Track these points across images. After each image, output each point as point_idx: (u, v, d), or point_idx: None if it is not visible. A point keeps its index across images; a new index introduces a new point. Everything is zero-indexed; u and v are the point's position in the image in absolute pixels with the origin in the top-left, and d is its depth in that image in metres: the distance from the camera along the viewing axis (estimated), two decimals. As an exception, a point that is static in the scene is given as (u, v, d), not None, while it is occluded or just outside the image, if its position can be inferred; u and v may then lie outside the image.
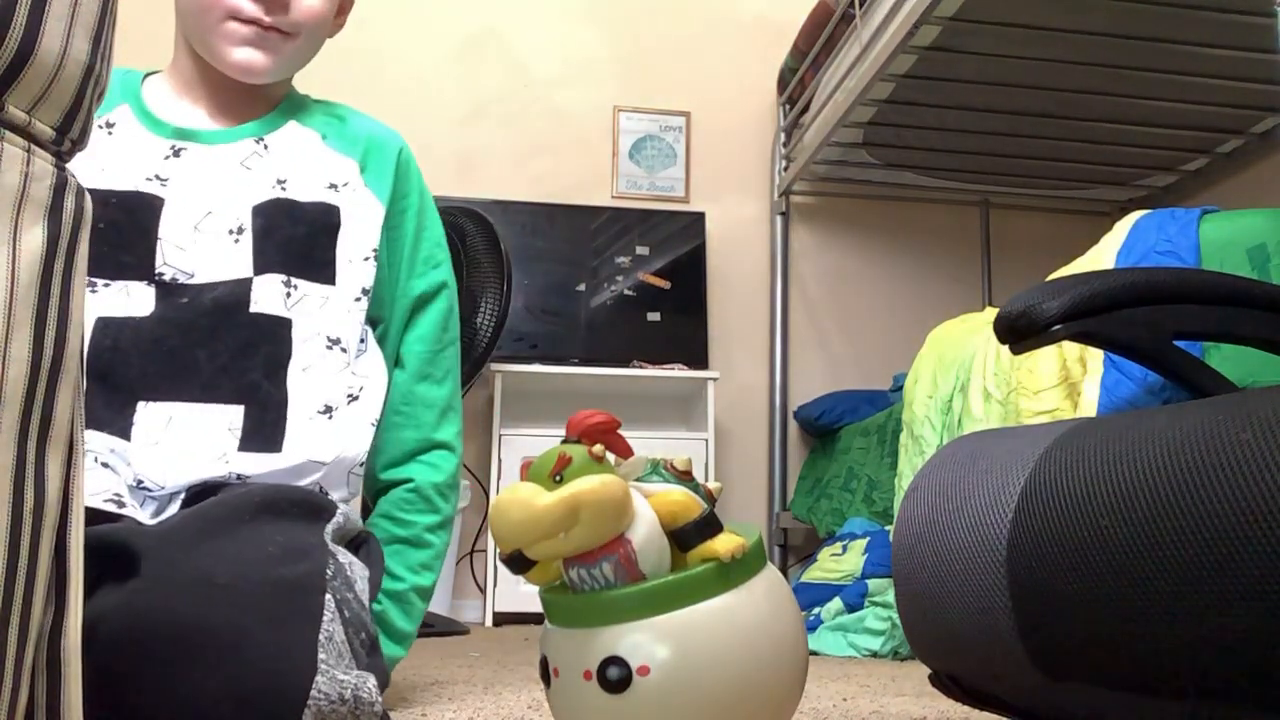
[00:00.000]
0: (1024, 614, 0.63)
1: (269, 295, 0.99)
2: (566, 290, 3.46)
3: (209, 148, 1.07)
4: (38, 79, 0.38)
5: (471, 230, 2.92)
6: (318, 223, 1.05)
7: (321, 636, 0.70)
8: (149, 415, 0.89)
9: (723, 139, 3.75)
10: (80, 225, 0.41)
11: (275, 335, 0.98)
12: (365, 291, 1.07)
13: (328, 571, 0.76)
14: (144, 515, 0.79)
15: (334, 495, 0.97)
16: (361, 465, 1.02)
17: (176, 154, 1.05)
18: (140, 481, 0.83)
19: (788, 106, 3.66)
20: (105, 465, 0.83)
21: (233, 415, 0.92)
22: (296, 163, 1.09)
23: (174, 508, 0.83)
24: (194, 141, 1.07)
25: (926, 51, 2.71)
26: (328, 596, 0.73)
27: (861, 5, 2.80)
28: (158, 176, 1.02)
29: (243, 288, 0.98)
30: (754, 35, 3.76)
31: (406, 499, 1.11)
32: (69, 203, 0.40)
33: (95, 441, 0.84)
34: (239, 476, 0.88)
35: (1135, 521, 0.55)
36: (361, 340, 1.07)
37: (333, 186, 1.08)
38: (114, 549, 0.69)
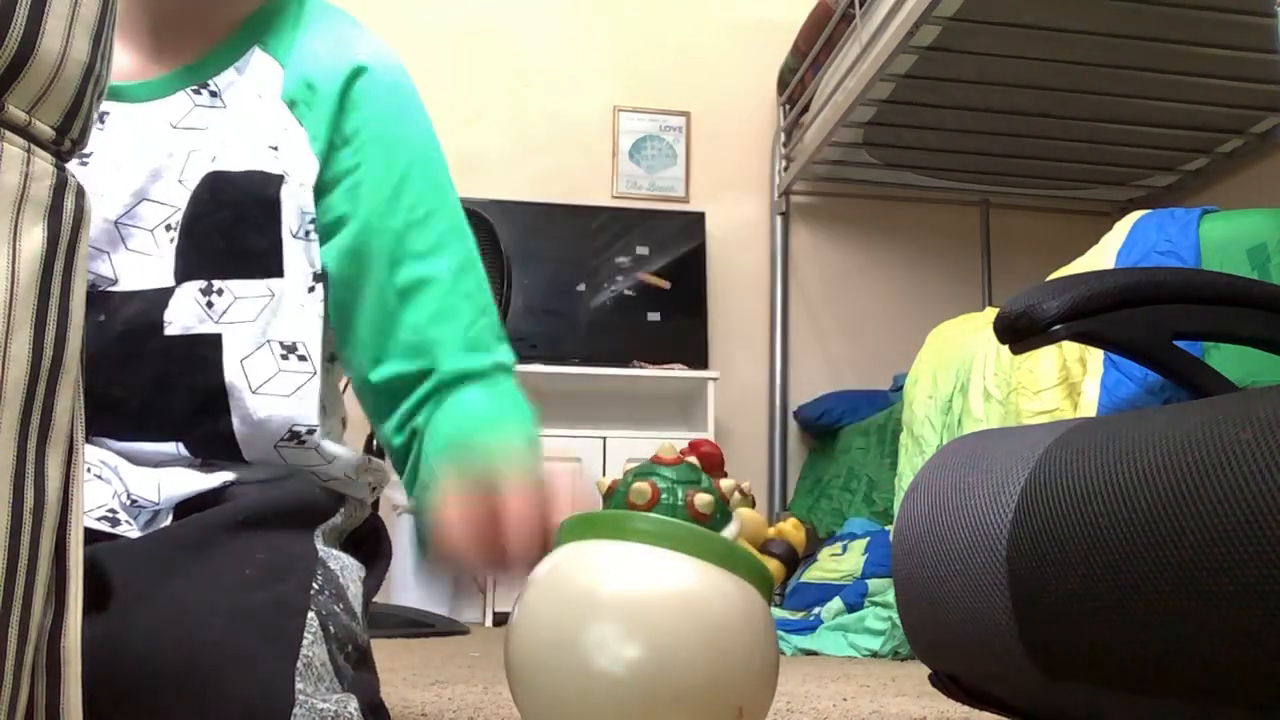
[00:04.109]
0: (1024, 614, 0.63)
1: (185, 310, 0.76)
2: (566, 290, 3.47)
3: (137, 107, 0.80)
4: (38, 79, 0.38)
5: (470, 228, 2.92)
6: (248, 199, 0.78)
7: (300, 664, 0.67)
8: (95, 451, 0.78)
9: (723, 139, 3.76)
10: (80, 225, 0.41)
11: (199, 361, 0.77)
12: (318, 278, 0.80)
13: (314, 585, 0.71)
14: (135, 532, 0.77)
15: (349, 493, 0.85)
16: (361, 469, 0.87)
17: (100, 119, 0.79)
18: (134, 500, 0.79)
19: (788, 106, 3.66)
20: (99, 478, 0.79)
21: (174, 449, 0.78)
22: (244, 117, 0.80)
23: (166, 521, 0.80)
24: (119, 100, 0.80)
25: (926, 51, 2.72)
26: (310, 615, 0.70)
27: (861, 5, 2.80)
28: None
29: (158, 303, 0.77)
30: (754, 35, 3.76)
31: (450, 403, 0.80)
32: (69, 203, 0.40)
33: (87, 452, 0.79)
34: (231, 483, 0.79)
35: (1135, 521, 0.55)
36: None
37: (274, 148, 0.80)
38: (86, 576, 0.67)
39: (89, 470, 0.77)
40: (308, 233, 0.80)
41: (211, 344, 0.77)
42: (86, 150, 0.76)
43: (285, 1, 0.84)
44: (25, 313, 0.37)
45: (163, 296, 0.77)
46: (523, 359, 3.39)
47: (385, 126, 0.83)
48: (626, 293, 3.49)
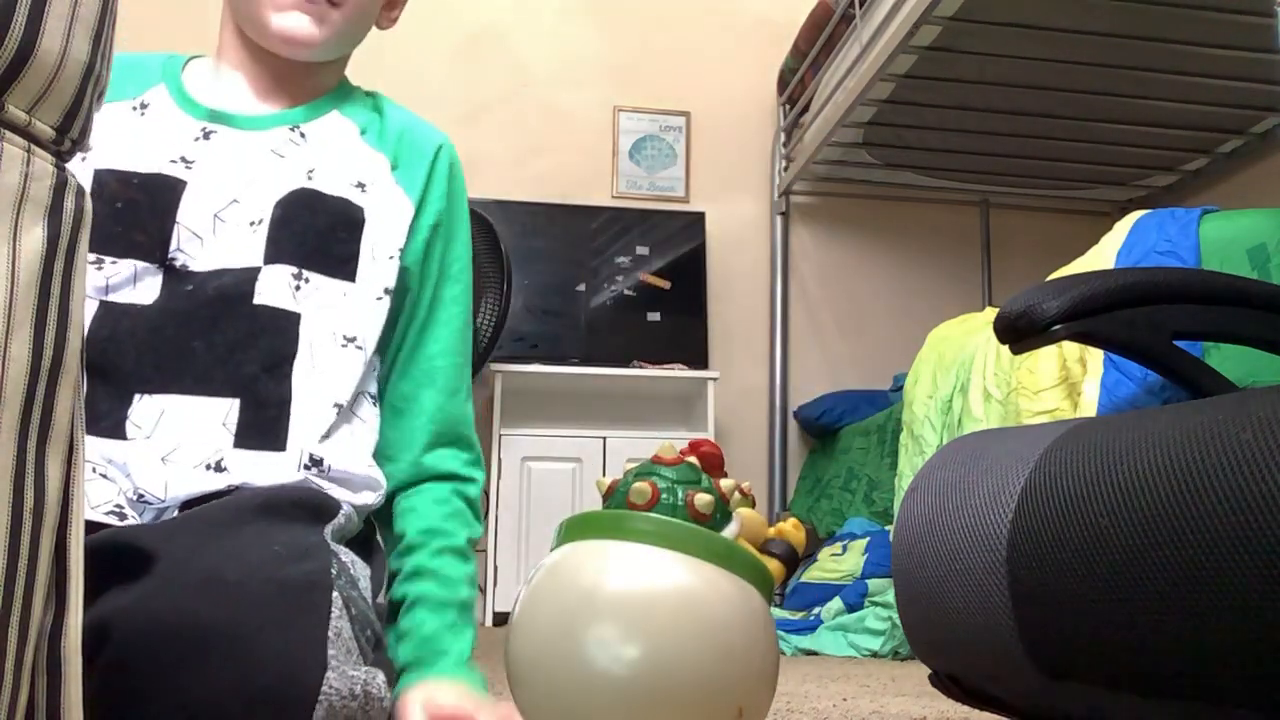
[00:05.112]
0: (1024, 614, 0.63)
1: (275, 286, 0.93)
2: (566, 290, 3.46)
3: (241, 133, 1.00)
4: (38, 79, 0.38)
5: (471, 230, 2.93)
6: (339, 216, 0.98)
7: (330, 633, 0.70)
8: (142, 409, 0.86)
9: (723, 139, 3.76)
10: (80, 225, 0.41)
11: (278, 328, 0.92)
12: (388, 291, 1.00)
13: (332, 569, 0.76)
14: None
15: (352, 498, 0.92)
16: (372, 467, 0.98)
17: (206, 136, 0.99)
18: (141, 495, 0.83)
19: (788, 106, 3.66)
20: (104, 476, 0.82)
21: (227, 409, 0.88)
22: (330, 155, 1.02)
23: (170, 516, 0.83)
24: (226, 125, 1.00)
25: (926, 51, 2.72)
26: (335, 594, 0.73)
27: (861, 5, 2.80)
28: (183, 159, 0.96)
29: (249, 277, 0.92)
30: (754, 35, 3.76)
31: (452, 511, 1.00)
32: (69, 203, 0.40)
33: (93, 450, 0.83)
34: (237, 487, 0.84)
35: (1135, 521, 0.55)
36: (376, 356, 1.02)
37: (360, 186, 1.01)
38: (122, 548, 0.69)
39: (94, 469, 0.80)
40: (390, 256, 1.01)
41: (292, 320, 0.93)
42: (191, 158, 0.97)
43: (356, 89, 1.11)
44: (25, 313, 0.37)
45: (252, 273, 0.93)
46: (523, 359, 3.41)
47: (452, 188, 1.09)
48: (626, 293, 3.49)
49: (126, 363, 0.87)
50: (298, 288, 0.94)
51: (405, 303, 1.04)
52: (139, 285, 0.90)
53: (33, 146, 0.38)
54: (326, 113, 1.05)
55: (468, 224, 1.13)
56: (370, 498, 0.94)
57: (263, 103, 1.03)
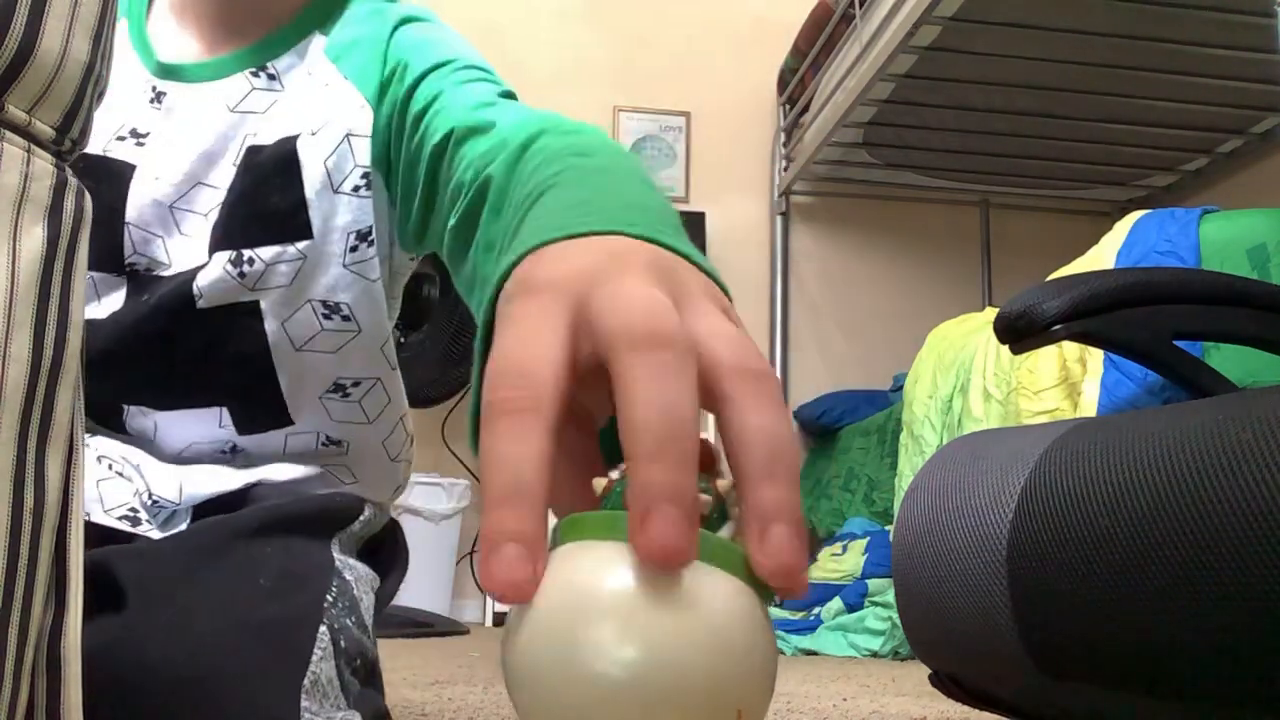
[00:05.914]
0: (1024, 614, 0.63)
1: (215, 281, 0.76)
2: (566, 290, 3.46)
3: (193, 88, 0.80)
4: (38, 79, 0.38)
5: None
6: (268, 165, 0.77)
7: (307, 681, 0.66)
8: (118, 452, 0.79)
9: (723, 139, 3.76)
10: (80, 225, 0.41)
11: (238, 329, 0.77)
12: (364, 236, 0.78)
13: (328, 598, 0.71)
14: (155, 532, 0.77)
15: (373, 493, 0.86)
16: (402, 445, 0.88)
17: (158, 99, 0.80)
18: (155, 499, 0.79)
19: (788, 106, 3.66)
20: (120, 475, 0.79)
21: (218, 414, 0.79)
22: (304, 96, 0.79)
23: (184, 521, 0.79)
24: (178, 80, 0.80)
25: (926, 51, 2.72)
26: (322, 629, 0.68)
27: (861, 5, 2.80)
28: (134, 133, 0.79)
29: (188, 278, 0.76)
30: (754, 35, 3.76)
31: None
32: (69, 203, 0.40)
33: (109, 448, 0.77)
34: (254, 484, 0.78)
35: (1135, 521, 0.55)
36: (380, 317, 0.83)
37: (313, 115, 0.79)
38: (102, 578, 0.67)
39: (110, 467, 0.76)
40: (356, 188, 0.77)
41: (250, 311, 0.77)
42: (144, 130, 0.80)
43: None
44: (25, 313, 0.37)
45: (195, 272, 0.76)
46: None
47: (429, 33, 0.81)
48: (626, 293, 3.49)
49: (104, 383, 0.79)
50: (242, 273, 0.76)
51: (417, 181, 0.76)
52: (104, 300, 0.78)
53: (33, 146, 0.38)
54: (305, 36, 0.82)
55: (468, 45, 0.81)
56: (393, 484, 0.88)
57: (224, 38, 0.82)
